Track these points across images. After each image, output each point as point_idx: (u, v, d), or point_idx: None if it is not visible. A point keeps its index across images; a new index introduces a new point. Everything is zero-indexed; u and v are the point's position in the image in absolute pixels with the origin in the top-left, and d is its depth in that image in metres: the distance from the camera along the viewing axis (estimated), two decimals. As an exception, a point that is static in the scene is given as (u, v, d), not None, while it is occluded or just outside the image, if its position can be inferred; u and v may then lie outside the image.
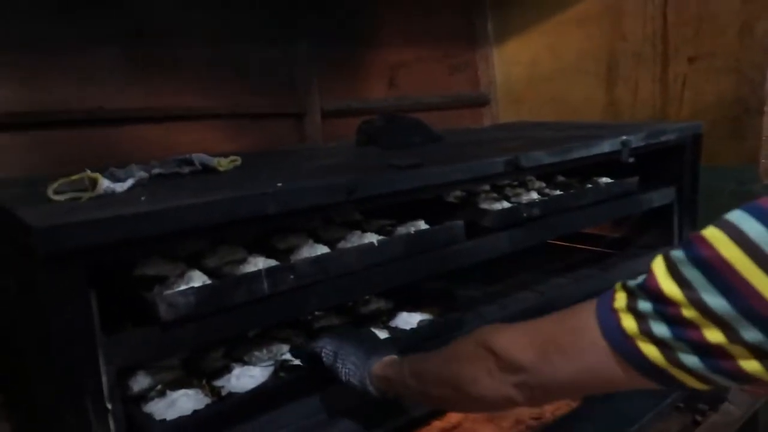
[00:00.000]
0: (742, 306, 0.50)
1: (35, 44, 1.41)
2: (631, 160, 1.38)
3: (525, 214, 1.27)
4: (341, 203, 0.89)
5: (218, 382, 0.97)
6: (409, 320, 1.18)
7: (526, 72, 2.43)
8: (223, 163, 1.04)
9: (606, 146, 1.33)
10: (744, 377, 0.53)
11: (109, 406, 0.73)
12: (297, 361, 1.02)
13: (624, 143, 1.36)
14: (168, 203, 0.74)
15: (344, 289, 0.97)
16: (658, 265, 0.56)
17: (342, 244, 1.05)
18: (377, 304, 1.23)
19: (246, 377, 0.97)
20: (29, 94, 1.42)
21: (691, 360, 0.54)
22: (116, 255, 0.70)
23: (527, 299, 1.40)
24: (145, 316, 0.79)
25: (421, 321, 1.19)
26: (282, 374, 1.01)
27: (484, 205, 1.31)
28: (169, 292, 0.80)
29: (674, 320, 0.54)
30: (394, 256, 1.03)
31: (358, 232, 1.07)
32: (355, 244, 1.02)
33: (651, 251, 1.67)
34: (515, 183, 1.59)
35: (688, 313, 0.53)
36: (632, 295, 0.58)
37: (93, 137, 1.52)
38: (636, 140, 1.40)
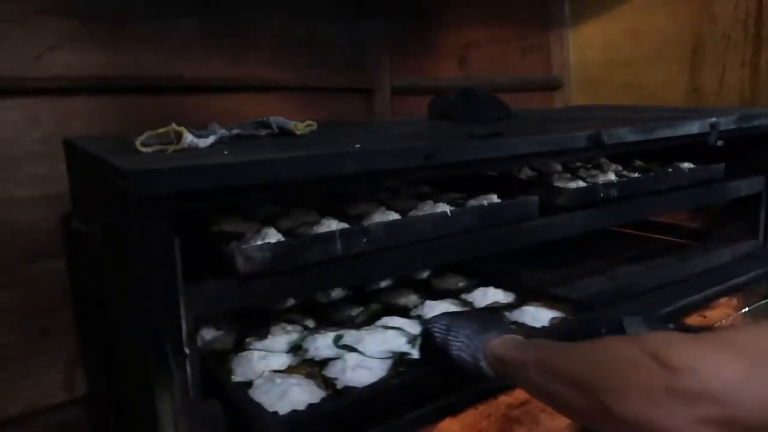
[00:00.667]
0: None
1: (123, 14, 1.46)
2: (719, 143, 1.30)
3: (602, 195, 1.23)
4: (418, 168, 0.87)
5: (331, 373, 0.90)
6: (536, 316, 1.10)
7: (602, 55, 2.34)
8: (300, 127, 1.04)
9: (694, 127, 1.26)
10: None
11: (187, 351, 0.74)
12: (416, 354, 0.94)
13: (713, 125, 1.29)
14: (252, 156, 0.74)
15: (416, 256, 0.96)
16: None
17: (413, 213, 1.04)
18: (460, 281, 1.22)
19: (362, 369, 0.89)
20: (116, 61, 1.47)
21: None
22: (201, 203, 0.72)
23: (598, 284, 1.34)
24: (223, 268, 0.81)
25: (553, 318, 1.11)
26: (401, 369, 0.91)
27: (559, 184, 1.27)
28: (246, 246, 0.81)
29: None
30: (467, 228, 1.01)
31: (430, 202, 1.05)
32: (428, 213, 1.00)
33: (733, 244, 1.58)
34: (589, 166, 1.54)
35: None
36: None
37: (172, 104, 1.56)
38: (726, 123, 1.32)
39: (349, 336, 1.00)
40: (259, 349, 0.95)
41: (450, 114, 1.33)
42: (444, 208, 1.03)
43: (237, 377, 0.90)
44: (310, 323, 1.09)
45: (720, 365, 0.46)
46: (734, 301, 1.29)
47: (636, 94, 2.19)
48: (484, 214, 1.03)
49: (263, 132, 1.04)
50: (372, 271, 0.92)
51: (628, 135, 1.14)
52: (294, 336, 1.01)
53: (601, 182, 1.28)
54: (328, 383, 0.87)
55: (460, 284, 1.26)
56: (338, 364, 0.91)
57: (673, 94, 2.10)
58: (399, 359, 0.93)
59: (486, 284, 1.24)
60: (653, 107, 1.82)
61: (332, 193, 1.09)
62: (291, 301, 1.12)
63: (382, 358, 0.92)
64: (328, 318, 1.13)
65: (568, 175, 1.38)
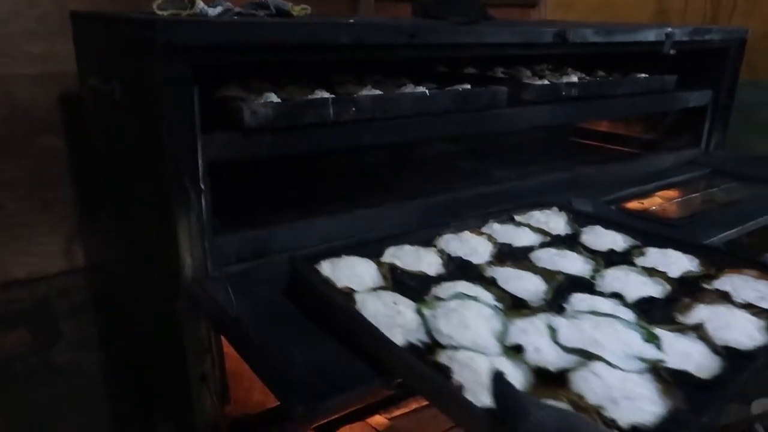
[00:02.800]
0: None
1: None
2: (672, 52, 1.44)
3: (564, 93, 1.37)
4: (403, 46, 0.99)
5: (590, 398, 0.65)
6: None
7: (578, -25, 2.43)
8: (296, 9, 1.14)
9: (651, 34, 1.40)
10: None
11: (203, 187, 0.88)
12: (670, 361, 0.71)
13: (668, 35, 1.42)
14: (262, 20, 0.85)
15: (398, 129, 1.09)
16: None
17: (396, 95, 1.16)
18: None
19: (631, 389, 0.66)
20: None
21: None
22: (218, 56, 0.83)
23: (556, 177, 1.51)
24: (231, 122, 0.93)
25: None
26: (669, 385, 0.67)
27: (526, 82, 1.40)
28: (252, 102, 0.93)
29: None
30: (443, 108, 1.14)
31: (411, 85, 1.18)
32: (409, 92, 1.13)
33: (677, 151, 1.76)
34: (557, 74, 1.67)
35: None
36: None
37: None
38: (680, 34, 1.46)
39: (562, 326, 0.77)
40: (467, 348, 0.72)
41: (433, 13, 1.43)
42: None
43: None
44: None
45: None
46: (673, 194, 1.48)
47: (608, 15, 2.31)
48: (457, 97, 1.16)
49: (261, 12, 1.13)
50: (359, 137, 1.05)
51: (590, 35, 1.27)
52: (495, 323, 0.78)
53: (563, 82, 1.42)
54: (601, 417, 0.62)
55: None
56: (592, 382, 0.66)
57: (642, 15, 2.22)
58: (657, 371, 0.69)
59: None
60: (621, 23, 1.94)
61: (326, 67, 1.20)
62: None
63: (639, 372, 0.69)
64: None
65: (536, 78, 1.51)
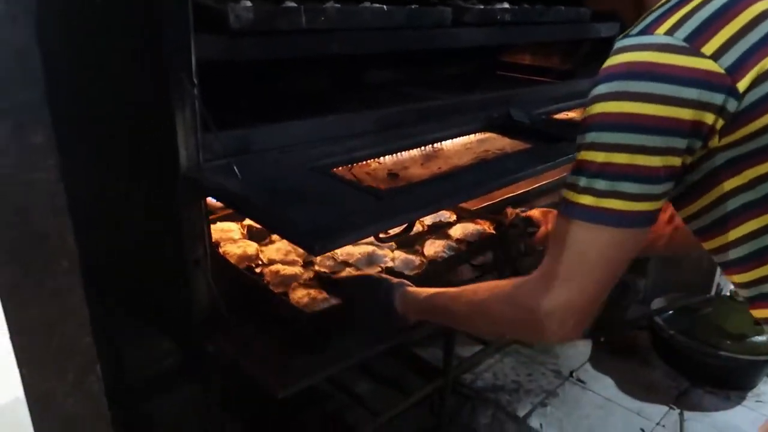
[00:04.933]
0: None
1: None
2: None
3: (499, 17, 1.53)
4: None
5: None
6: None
7: None
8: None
9: (570, -34, 1.59)
10: None
11: (196, 81, 0.97)
12: None
13: (585, -33, 1.62)
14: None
15: (359, 41, 1.22)
16: None
17: (355, 12, 1.28)
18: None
19: None
20: None
21: None
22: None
23: (487, 95, 1.68)
24: (215, 26, 1.01)
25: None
26: None
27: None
28: (236, 6, 1.02)
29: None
30: (398, 24, 1.27)
31: (368, 2, 1.29)
32: (369, 6, 1.25)
33: (591, 77, 1.98)
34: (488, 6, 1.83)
35: None
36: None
37: None
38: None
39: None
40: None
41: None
42: (380, 7, 1.28)
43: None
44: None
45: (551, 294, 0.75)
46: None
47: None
48: (410, 14, 1.30)
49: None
50: (327, 45, 1.16)
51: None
52: None
53: (498, 8, 1.58)
54: None
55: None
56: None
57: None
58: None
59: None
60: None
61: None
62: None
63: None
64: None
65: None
